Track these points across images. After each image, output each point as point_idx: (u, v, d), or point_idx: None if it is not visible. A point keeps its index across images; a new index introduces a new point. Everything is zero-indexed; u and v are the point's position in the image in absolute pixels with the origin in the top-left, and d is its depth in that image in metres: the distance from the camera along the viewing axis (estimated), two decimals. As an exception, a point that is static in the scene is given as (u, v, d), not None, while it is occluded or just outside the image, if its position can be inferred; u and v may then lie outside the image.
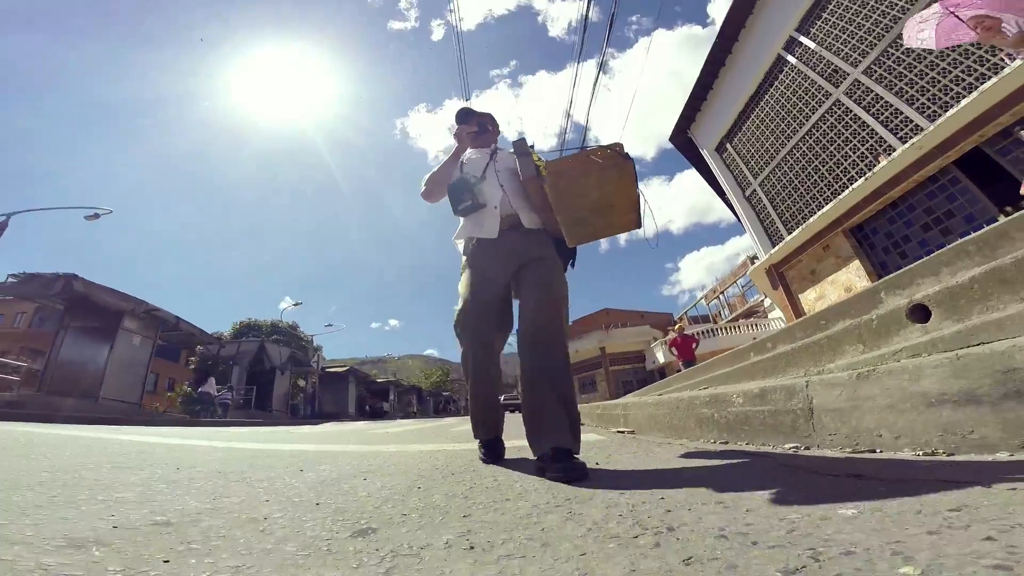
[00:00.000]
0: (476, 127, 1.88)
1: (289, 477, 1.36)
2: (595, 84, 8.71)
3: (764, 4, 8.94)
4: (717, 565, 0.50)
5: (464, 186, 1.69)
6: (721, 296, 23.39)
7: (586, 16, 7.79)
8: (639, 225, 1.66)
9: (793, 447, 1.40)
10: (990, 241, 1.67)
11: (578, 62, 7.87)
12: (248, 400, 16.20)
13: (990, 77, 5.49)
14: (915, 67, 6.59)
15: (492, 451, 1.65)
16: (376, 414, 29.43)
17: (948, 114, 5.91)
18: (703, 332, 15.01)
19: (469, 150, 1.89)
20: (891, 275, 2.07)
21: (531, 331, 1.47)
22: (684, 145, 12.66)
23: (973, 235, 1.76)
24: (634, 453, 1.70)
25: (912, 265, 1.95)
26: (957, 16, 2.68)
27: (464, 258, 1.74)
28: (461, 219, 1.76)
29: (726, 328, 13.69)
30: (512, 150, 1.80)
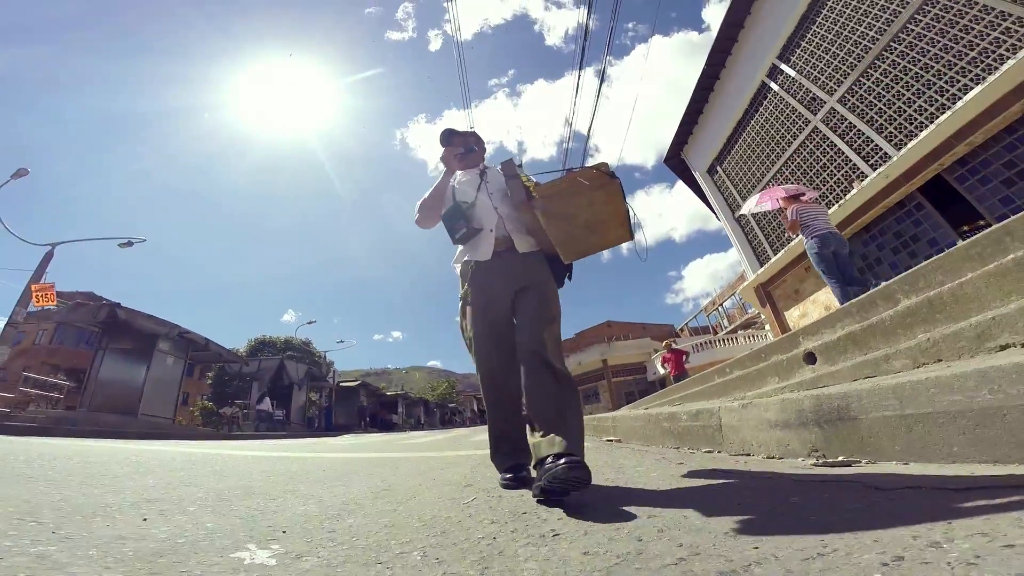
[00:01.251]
0: (462, 148, 1.88)
1: (427, 471, 2.06)
2: (597, 95, 8.86)
3: (749, 30, 9.43)
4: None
5: (458, 213, 1.70)
6: (720, 308, 23.92)
7: (586, 28, 7.64)
8: (631, 237, 1.72)
9: (709, 450, 2.06)
10: (864, 306, 2.33)
11: (579, 75, 8.20)
12: (269, 414, 16.99)
13: (949, 107, 6.06)
14: (883, 96, 7.15)
15: (516, 477, 1.56)
16: (385, 426, 29.99)
17: (911, 144, 6.49)
18: (702, 344, 15.64)
19: (458, 172, 1.88)
20: (808, 325, 2.73)
21: (529, 349, 1.48)
22: (678, 167, 13.34)
23: (855, 300, 2.42)
24: (615, 458, 2.37)
25: (819, 319, 2.61)
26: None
27: (463, 282, 1.73)
28: (458, 247, 1.77)
29: (724, 340, 14.31)
30: (498, 168, 1.83)
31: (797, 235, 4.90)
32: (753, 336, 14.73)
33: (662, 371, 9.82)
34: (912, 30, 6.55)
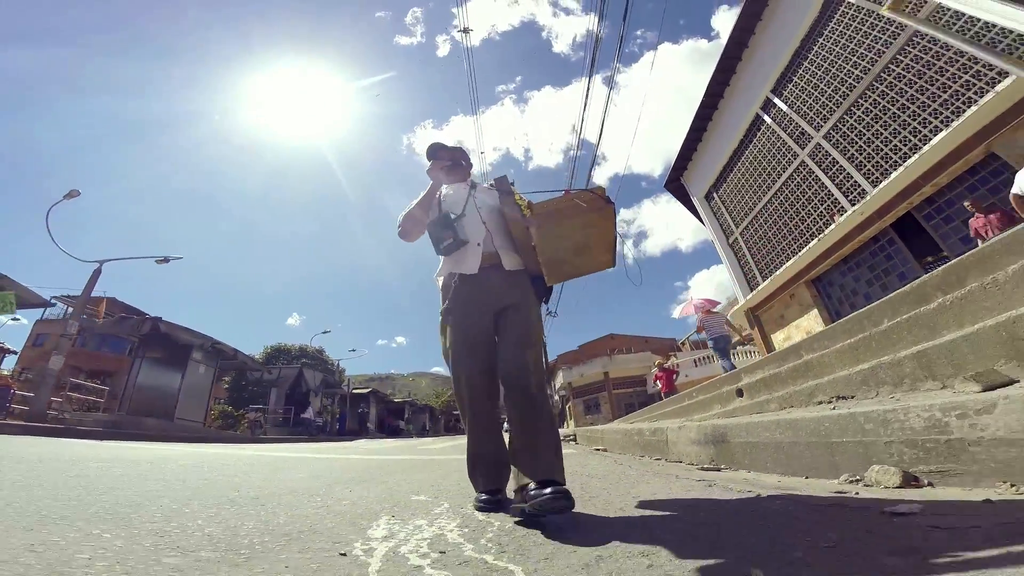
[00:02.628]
0: (449, 162, 1.90)
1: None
2: (606, 106, 8.97)
3: (746, 62, 9.95)
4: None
5: (446, 223, 1.69)
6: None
7: (596, 38, 7.92)
8: (614, 264, 1.75)
9: (658, 458, 2.81)
10: (778, 356, 3.07)
11: (589, 83, 8.23)
12: (287, 419, 17.94)
13: (921, 148, 6.55)
14: (864, 135, 7.74)
15: (492, 499, 1.53)
16: (392, 432, 30.69)
17: (884, 183, 7.07)
18: (701, 359, 16.30)
19: (445, 186, 1.89)
20: (747, 365, 3.46)
21: (511, 376, 1.50)
22: (677, 191, 14.06)
23: (777, 351, 3.16)
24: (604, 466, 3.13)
25: (752, 362, 3.35)
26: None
27: (443, 296, 1.71)
28: (442, 257, 1.76)
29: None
30: (488, 184, 1.89)
31: (701, 333, 8.26)
32: (749, 353, 15.33)
33: (656, 387, 10.55)
34: (893, 70, 6.98)
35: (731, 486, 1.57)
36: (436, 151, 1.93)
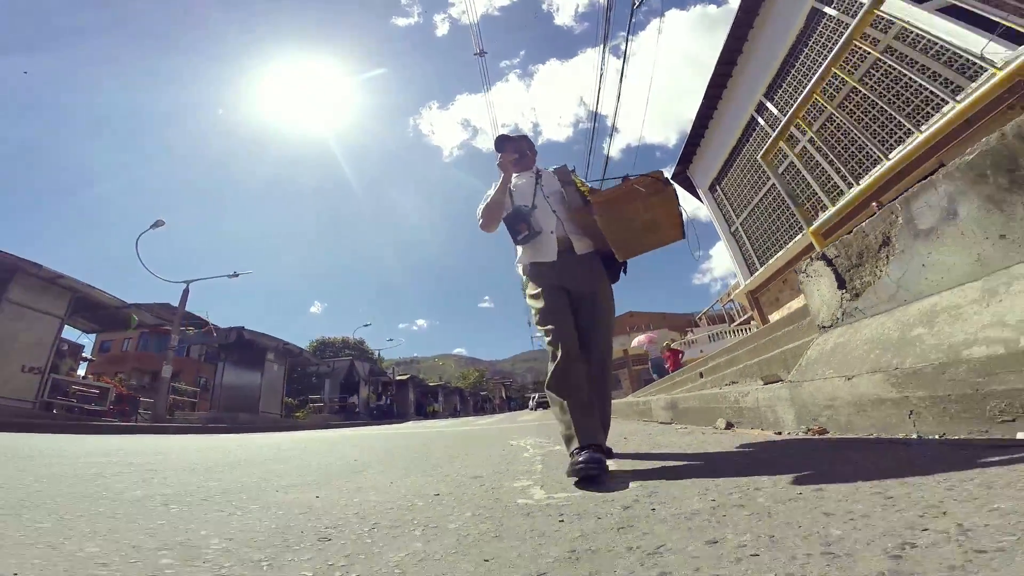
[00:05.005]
0: (516, 154, 1.97)
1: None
2: (621, 78, 9.65)
3: (742, 67, 10.81)
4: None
5: (519, 216, 1.82)
6: (732, 300, 25.52)
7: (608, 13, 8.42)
8: (684, 237, 1.83)
9: (646, 420, 4.37)
10: (724, 352, 4.54)
11: (604, 51, 8.81)
12: (343, 407, 20.32)
13: (896, 146, 7.42)
14: (842, 140, 8.77)
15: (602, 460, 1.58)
16: (426, 414, 32.80)
17: (855, 189, 8.12)
18: (716, 334, 17.70)
19: (515, 176, 1.98)
20: (712, 354, 4.93)
21: (596, 362, 1.76)
22: (684, 183, 15.14)
23: (724, 349, 4.63)
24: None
25: (712, 354, 4.83)
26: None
27: (526, 280, 1.89)
28: (519, 247, 1.88)
29: (733, 331, 16.19)
30: (552, 170, 2.01)
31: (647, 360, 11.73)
32: (745, 330, 16.66)
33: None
34: (867, 81, 7.89)
35: (676, 427, 3.13)
36: (503, 143, 2.00)
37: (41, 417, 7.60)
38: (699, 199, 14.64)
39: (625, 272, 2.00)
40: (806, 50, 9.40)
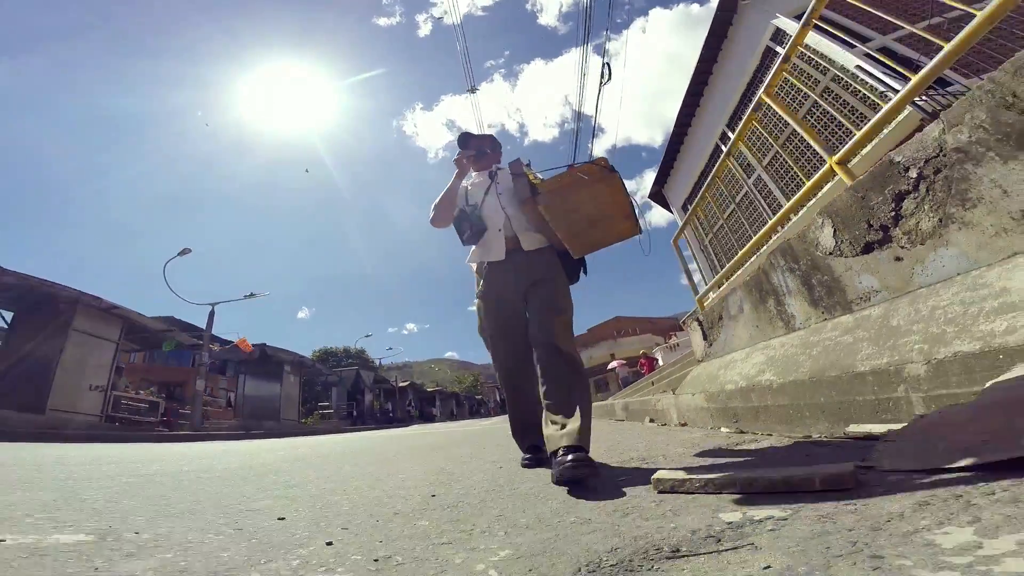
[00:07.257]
0: (473, 151, 1.99)
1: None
2: (601, 78, 10.46)
3: (707, 101, 11.73)
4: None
5: (463, 218, 1.84)
6: (711, 305, 27.37)
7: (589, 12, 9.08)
8: (639, 230, 1.79)
9: (609, 419, 5.87)
10: (671, 366, 6.06)
11: (584, 50, 9.43)
12: (350, 413, 21.70)
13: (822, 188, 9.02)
14: (791, 170, 10.23)
15: (534, 457, 1.81)
16: (427, 418, 34.05)
17: (795, 217, 9.68)
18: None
19: (473, 173, 2.00)
20: (663, 372, 6.44)
21: (538, 337, 1.65)
22: (661, 201, 16.70)
23: (673, 366, 6.16)
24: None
25: (663, 372, 6.35)
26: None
27: (478, 279, 1.89)
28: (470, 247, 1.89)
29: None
30: (507, 166, 1.96)
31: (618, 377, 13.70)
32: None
33: (661, 362, 13.63)
34: (813, 113, 9.53)
35: (624, 423, 4.64)
36: (465, 140, 2.01)
37: (109, 428, 8.93)
38: (674, 214, 16.21)
39: (585, 272, 1.97)
40: (762, 86, 10.74)
